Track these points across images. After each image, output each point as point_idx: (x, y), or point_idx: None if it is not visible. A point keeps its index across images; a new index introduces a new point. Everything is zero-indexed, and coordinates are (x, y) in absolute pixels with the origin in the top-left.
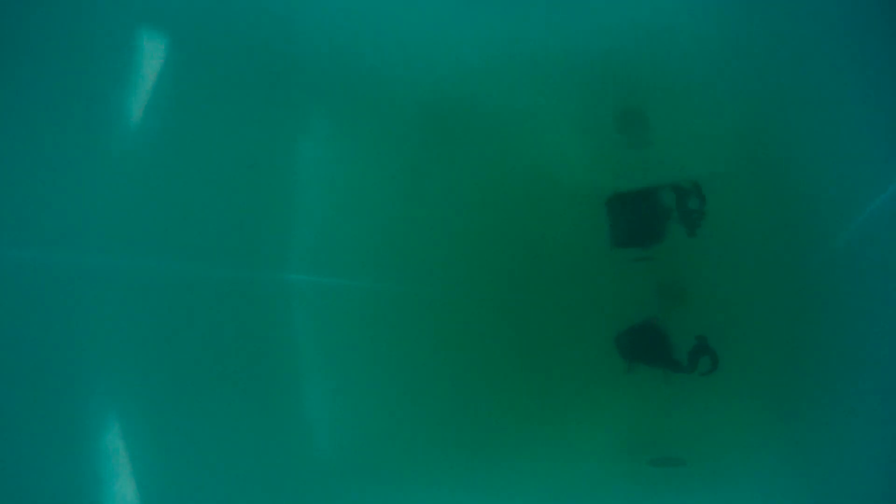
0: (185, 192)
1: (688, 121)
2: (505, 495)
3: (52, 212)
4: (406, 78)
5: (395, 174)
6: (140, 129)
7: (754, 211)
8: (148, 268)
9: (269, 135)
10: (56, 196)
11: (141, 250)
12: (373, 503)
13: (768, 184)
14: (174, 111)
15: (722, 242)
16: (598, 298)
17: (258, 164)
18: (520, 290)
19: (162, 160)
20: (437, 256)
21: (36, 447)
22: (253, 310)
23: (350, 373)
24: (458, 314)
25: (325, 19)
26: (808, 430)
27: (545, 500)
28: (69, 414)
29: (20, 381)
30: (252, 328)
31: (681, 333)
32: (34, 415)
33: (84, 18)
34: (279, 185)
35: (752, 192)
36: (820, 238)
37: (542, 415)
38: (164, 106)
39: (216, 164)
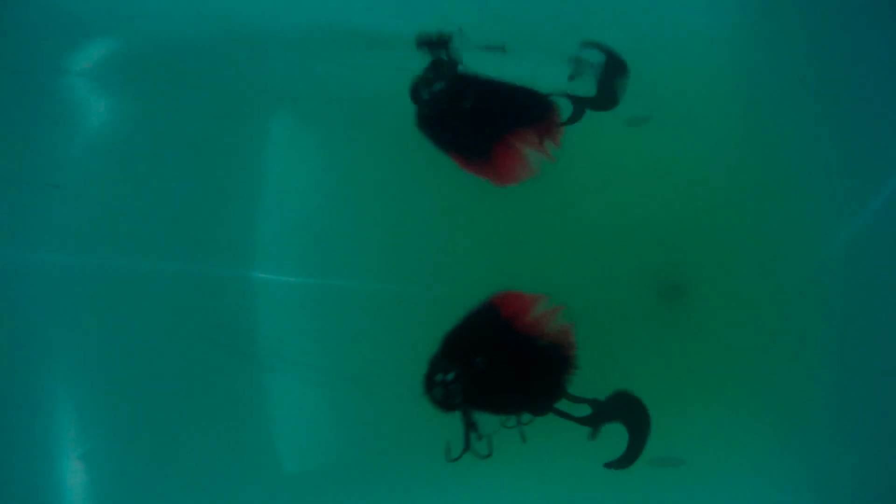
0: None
1: (684, 121)
2: (502, 495)
3: (8, 209)
4: (381, 63)
5: (371, 168)
6: (100, 124)
7: (753, 211)
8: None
9: (234, 127)
10: (16, 193)
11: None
12: None
13: (767, 184)
14: (134, 106)
15: (721, 243)
16: (598, 295)
17: (224, 157)
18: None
19: (123, 156)
20: (421, 254)
21: None
22: (220, 307)
23: (323, 374)
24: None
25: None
26: (808, 430)
27: (543, 500)
28: (25, 414)
29: None
30: (220, 326)
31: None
32: None
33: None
34: (245, 179)
35: (750, 192)
36: (818, 240)
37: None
38: (123, 101)
39: (180, 158)
